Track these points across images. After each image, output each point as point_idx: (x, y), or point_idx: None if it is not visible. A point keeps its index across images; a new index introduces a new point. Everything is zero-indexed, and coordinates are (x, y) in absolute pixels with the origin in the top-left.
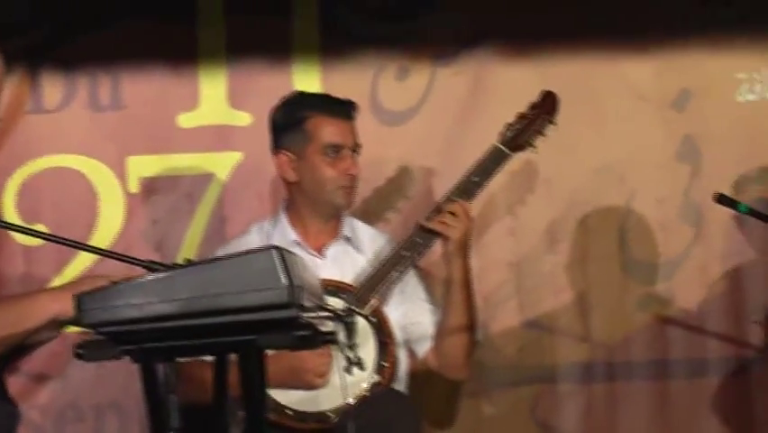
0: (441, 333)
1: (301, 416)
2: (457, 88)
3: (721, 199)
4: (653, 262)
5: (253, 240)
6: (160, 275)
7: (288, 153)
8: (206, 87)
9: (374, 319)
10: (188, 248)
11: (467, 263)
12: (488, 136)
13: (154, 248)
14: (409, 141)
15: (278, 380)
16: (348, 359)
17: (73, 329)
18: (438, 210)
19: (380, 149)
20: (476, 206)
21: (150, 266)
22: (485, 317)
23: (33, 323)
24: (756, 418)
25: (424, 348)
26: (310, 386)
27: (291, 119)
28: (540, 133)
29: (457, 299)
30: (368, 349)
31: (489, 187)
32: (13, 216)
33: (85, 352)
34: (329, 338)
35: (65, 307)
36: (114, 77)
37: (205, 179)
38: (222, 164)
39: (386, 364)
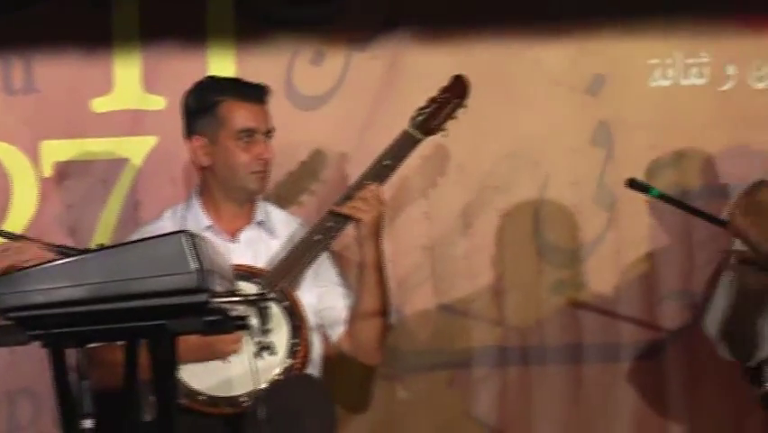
0: (354, 317)
1: (213, 400)
2: (372, 73)
3: (633, 184)
4: (567, 246)
5: (167, 225)
6: (70, 260)
7: (201, 138)
8: (120, 71)
9: (287, 304)
10: (102, 233)
11: (380, 247)
12: (403, 121)
13: (68, 233)
14: (324, 125)
15: (191, 354)
16: (259, 343)
17: None
18: (350, 195)
19: (295, 133)
20: (389, 190)
21: (62, 251)
22: (399, 300)
23: None
24: (669, 400)
25: (337, 332)
26: (223, 366)
27: (204, 104)
28: (451, 117)
29: (370, 283)
30: (281, 334)
31: (403, 171)
32: None
33: None
34: (240, 323)
35: None
36: (27, 60)
37: (120, 163)
38: (136, 149)
39: (299, 349)
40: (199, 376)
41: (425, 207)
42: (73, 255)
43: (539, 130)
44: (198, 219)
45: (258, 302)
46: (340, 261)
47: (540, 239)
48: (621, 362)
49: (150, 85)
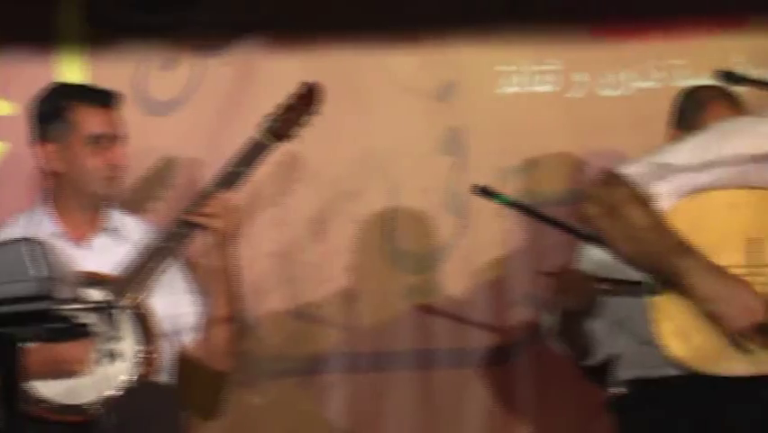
0: (206, 324)
1: (61, 408)
2: (224, 79)
3: (481, 191)
4: (417, 251)
5: (18, 231)
6: None
7: (52, 144)
8: None
9: (136, 310)
10: None
11: (231, 254)
12: (254, 127)
13: None
14: (175, 131)
15: (40, 370)
16: (108, 351)
17: None
18: (198, 201)
19: (146, 139)
20: (241, 196)
21: None
22: (251, 306)
23: None
24: (518, 405)
25: (188, 339)
26: (71, 374)
27: (53, 109)
28: (300, 123)
29: (221, 290)
30: (129, 341)
31: (255, 177)
32: None
33: None
34: (84, 330)
35: None
36: None
37: None
38: None
39: (148, 356)
40: (48, 384)
41: (277, 213)
42: None
43: (390, 136)
44: (47, 226)
45: (105, 309)
46: (191, 267)
47: (391, 245)
48: (471, 367)
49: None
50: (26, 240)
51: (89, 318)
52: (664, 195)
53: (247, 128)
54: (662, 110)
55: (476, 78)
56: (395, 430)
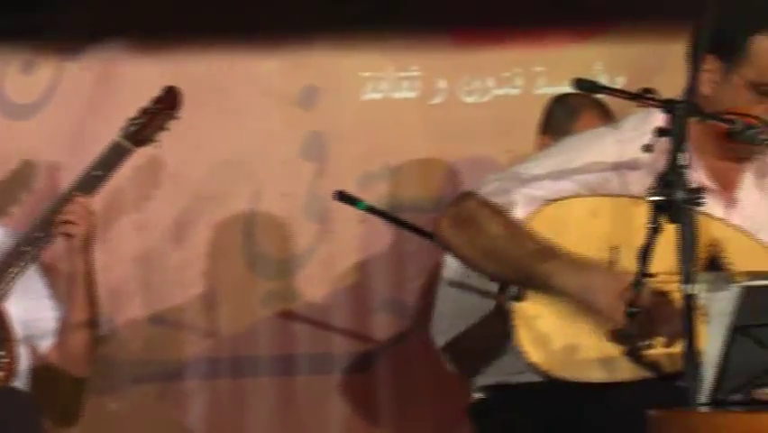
0: (63, 329)
1: None
2: (84, 83)
3: (341, 197)
4: (279, 257)
5: None
6: None
7: None
8: None
9: None
10: None
11: (90, 258)
12: (116, 131)
13: None
14: (35, 135)
15: None
16: None
17: None
18: (57, 206)
19: (5, 143)
20: (101, 200)
21: None
22: (110, 312)
23: None
24: (380, 412)
25: (45, 344)
26: None
27: None
28: (162, 127)
29: (80, 295)
30: None
31: (115, 181)
32: None
33: None
34: None
35: None
36: None
37: None
38: None
39: (4, 362)
40: None
41: (137, 218)
42: None
43: (252, 141)
44: None
45: None
46: (49, 272)
47: (252, 250)
48: (333, 373)
49: None
50: None
51: None
52: (524, 202)
53: (108, 132)
54: (524, 117)
55: (339, 83)
56: None
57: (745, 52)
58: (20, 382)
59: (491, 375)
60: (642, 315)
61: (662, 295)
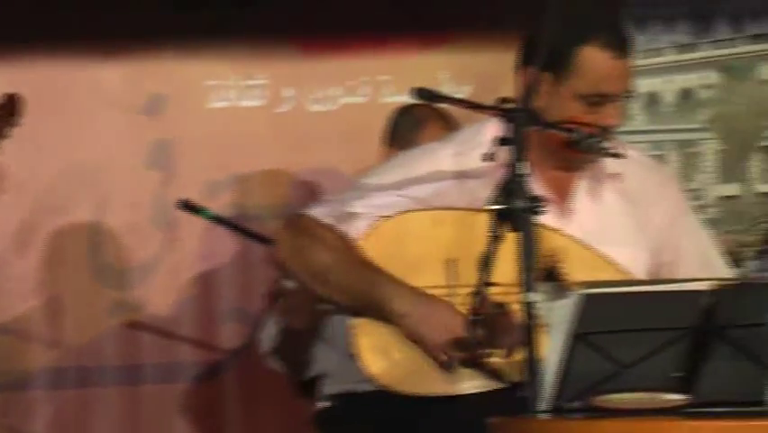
0: None
1: None
2: None
3: (185, 206)
4: (124, 267)
5: None
6: None
7: None
8: None
9: None
10: None
11: None
12: None
13: None
14: None
15: None
16: None
17: None
18: None
19: None
20: None
21: None
22: None
23: None
24: (227, 420)
25: None
26: None
27: None
28: (3, 135)
29: None
30: None
31: None
32: None
33: None
34: None
35: None
36: None
37: None
38: None
39: None
40: None
41: None
42: None
43: (97, 150)
44: None
45: None
46: None
47: (97, 259)
48: (180, 382)
49: None
50: None
51: None
52: (365, 216)
53: None
54: (370, 125)
55: (185, 92)
56: None
57: (572, 64)
58: None
59: (338, 383)
60: (483, 324)
61: (501, 305)
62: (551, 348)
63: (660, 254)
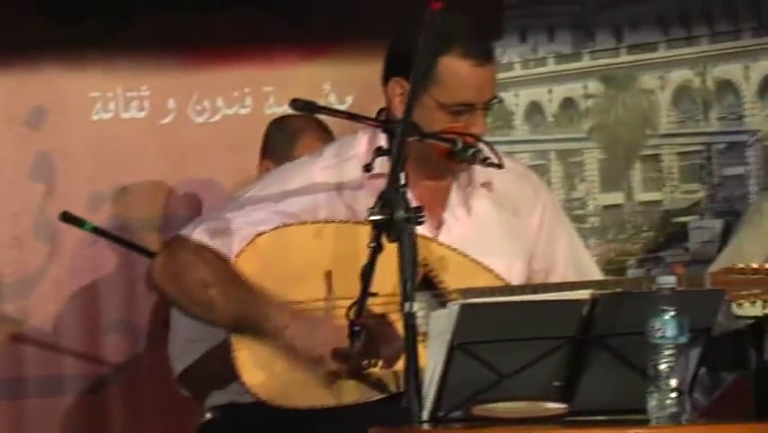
0: None
1: None
2: None
3: (66, 218)
4: (7, 280)
5: None
6: None
7: None
8: None
9: None
10: None
11: None
12: None
13: None
14: None
15: None
16: None
17: None
18: None
19: None
20: None
21: None
22: None
23: None
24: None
25: None
26: None
27: None
28: None
29: None
30: None
31: None
32: None
33: None
34: None
35: None
36: None
37: None
38: None
39: None
40: None
41: None
42: None
43: None
44: None
45: None
46: None
47: None
48: (64, 396)
49: None
50: None
51: None
52: (242, 231)
53: None
54: (254, 136)
55: (67, 103)
56: None
57: (433, 74)
58: None
59: (222, 394)
60: (363, 334)
61: (382, 315)
62: (431, 358)
63: (534, 262)
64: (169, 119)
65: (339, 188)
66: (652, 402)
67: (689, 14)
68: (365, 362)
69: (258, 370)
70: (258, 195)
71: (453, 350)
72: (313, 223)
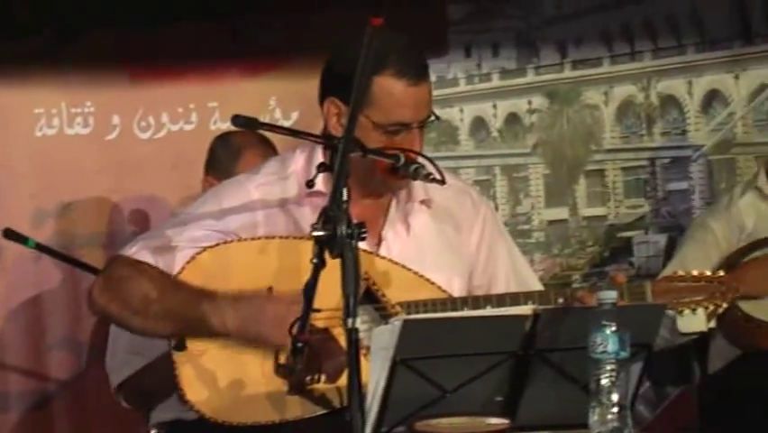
0: None
1: None
2: None
3: (8, 234)
4: None
5: None
6: None
7: None
8: None
9: None
10: None
11: None
12: None
13: None
14: None
15: None
16: None
17: None
18: None
19: None
20: None
21: None
22: None
23: None
24: None
25: None
26: None
27: None
28: None
29: None
30: None
31: None
32: None
33: None
34: None
35: None
36: None
37: None
38: None
39: None
40: None
41: None
42: None
43: None
44: None
45: None
46: None
47: None
48: (10, 412)
49: None
50: None
51: None
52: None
53: None
54: (199, 152)
55: (11, 119)
56: None
57: (368, 94)
58: None
59: (167, 411)
60: (307, 350)
61: (325, 330)
62: (374, 374)
63: (474, 278)
64: (114, 135)
65: (281, 204)
66: (593, 417)
67: (632, 30)
68: (308, 377)
69: (201, 386)
70: (196, 213)
71: (396, 366)
72: (255, 239)
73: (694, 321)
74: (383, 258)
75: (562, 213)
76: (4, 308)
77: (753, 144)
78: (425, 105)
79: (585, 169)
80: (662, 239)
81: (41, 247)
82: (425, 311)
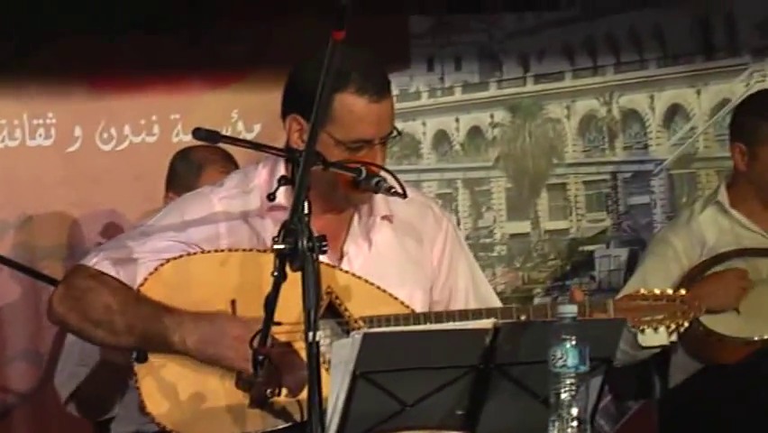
0: None
1: None
2: None
3: None
4: None
5: None
6: None
7: None
8: None
9: None
10: None
11: None
12: None
13: None
14: None
15: None
16: None
17: None
18: None
19: None
20: None
21: None
22: None
23: None
24: None
25: None
26: None
27: None
28: None
29: None
30: None
31: None
32: None
33: None
34: None
35: None
36: None
37: None
38: None
39: None
40: None
41: None
42: None
43: None
44: None
45: None
46: None
47: None
48: None
49: None
50: None
51: None
52: (146, 261)
53: None
54: (161, 165)
55: None
56: None
57: (329, 111)
58: None
59: (128, 424)
60: (267, 363)
61: (287, 344)
62: (334, 387)
63: (434, 293)
64: (76, 147)
65: (243, 216)
66: (553, 431)
67: (595, 44)
68: (269, 390)
69: (162, 398)
70: (159, 224)
71: (356, 379)
72: (217, 251)
73: (656, 336)
74: (345, 272)
75: (524, 226)
76: None
77: (714, 159)
78: (387, 122)
79: (547, 182)
80: (623, 253)
81: (1, 259)
82: (388, 326)
